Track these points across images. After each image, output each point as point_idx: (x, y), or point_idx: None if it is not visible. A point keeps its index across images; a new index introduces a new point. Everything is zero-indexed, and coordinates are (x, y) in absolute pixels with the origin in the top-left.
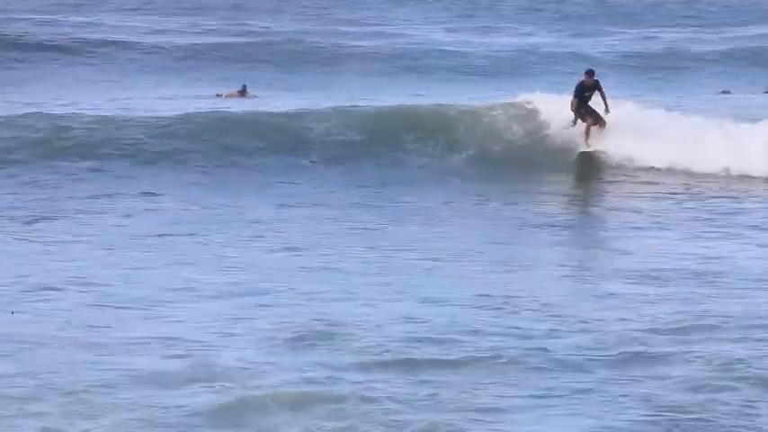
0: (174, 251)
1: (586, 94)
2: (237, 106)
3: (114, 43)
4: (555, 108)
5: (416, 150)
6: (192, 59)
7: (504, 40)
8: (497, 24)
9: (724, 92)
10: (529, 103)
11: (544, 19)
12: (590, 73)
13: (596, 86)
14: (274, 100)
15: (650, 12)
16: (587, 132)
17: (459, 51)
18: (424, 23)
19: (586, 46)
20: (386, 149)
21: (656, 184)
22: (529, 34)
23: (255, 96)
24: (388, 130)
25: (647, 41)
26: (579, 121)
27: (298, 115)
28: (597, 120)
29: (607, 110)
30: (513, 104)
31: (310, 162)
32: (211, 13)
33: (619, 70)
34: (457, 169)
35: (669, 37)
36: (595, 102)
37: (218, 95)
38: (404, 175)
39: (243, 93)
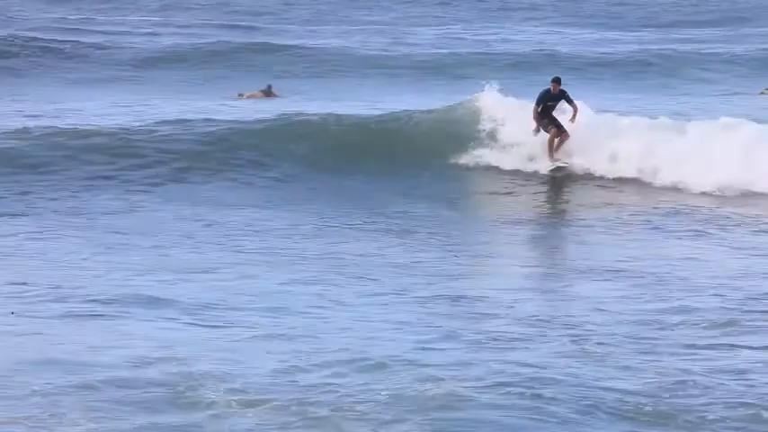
0: (148, 256)
1: (549, 104)
2: (256, 106)
3: (132, 43)
4: (511, 108)
5: (389, 153)
6: (213, 60)
7: (507, 39)
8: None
9: (766, 90)
10: (486, 103)
11: (551, 18)
12: (557, 81)
13: (562, 96)
14: (298, 101)
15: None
16: (550, 145)
17: (460, 52)
18: (438, 25)
19: (607, 46)
20: (359, 157)
21: (617, 188)
22: (538, 33)
23: (279, 96)
24: (367, 139)
25: (675, 41)
26: (542, 130)
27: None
28: (560, 131)
29: (572, 118)
30: (472, 105)
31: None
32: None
33: (646, 70)
34: (409, 172)
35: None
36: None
37: (239, 96)
38: (369, 181)
39: (268, 92)
